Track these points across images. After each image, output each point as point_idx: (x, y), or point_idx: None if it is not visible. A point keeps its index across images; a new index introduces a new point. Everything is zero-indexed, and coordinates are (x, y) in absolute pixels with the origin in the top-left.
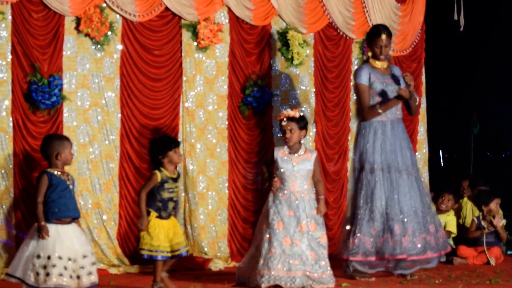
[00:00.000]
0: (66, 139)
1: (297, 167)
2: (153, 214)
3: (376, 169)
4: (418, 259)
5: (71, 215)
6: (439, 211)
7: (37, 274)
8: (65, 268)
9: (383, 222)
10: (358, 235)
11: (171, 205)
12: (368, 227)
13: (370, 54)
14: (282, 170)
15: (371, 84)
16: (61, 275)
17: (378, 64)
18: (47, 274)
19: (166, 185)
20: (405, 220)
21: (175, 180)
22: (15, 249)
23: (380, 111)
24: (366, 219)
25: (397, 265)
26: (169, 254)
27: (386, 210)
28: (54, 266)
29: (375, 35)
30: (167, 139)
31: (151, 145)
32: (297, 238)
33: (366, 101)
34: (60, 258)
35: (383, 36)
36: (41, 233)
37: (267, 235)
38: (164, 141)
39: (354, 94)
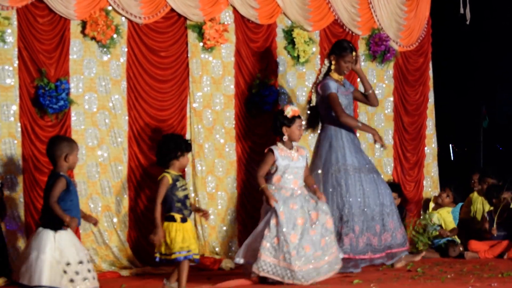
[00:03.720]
0: (74, 142)
1: (299, 164)
2: (177, 217)
3: (343, 171)
4: (362, 259)
5: (79, 223)
6: (437, 204)
7: (71, 280)
8: (89, 270)
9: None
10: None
11: (188, 202)
12: (352, 226)
13: (333, 67)
14: (284, 168)
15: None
16: (85, 279)
17: (336, 77)
18: (84, 279)
19: (178, 184)
20: (354, 219)
21: (182, 176)
22: None
23: (359, 125)
24: (345, 219)
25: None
26: (197, 256)
27: (344, 210)
28: (77, 273)
29: (345, 51)
30: (186, 142)
31: (167, 141)
32: (309, 228)
33: (341, 108)
34: (81, 262)
35: (354, 53)
36: (72, 225)
37: (273, 221)
38: (181, 142)
39: (320, 108)
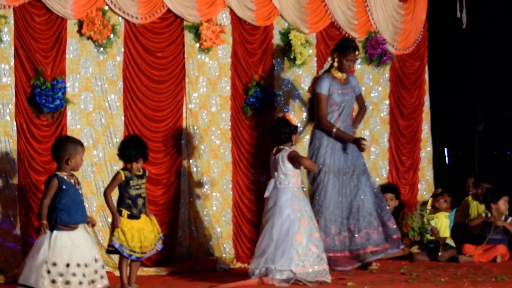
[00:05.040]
0: (80, 144)
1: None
2: (125, 212)
3: (328, 171)
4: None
5: (80, 220)
6: (434, 208)
7: (53, 281)
8: (84, 275)
9: (340, 221)
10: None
11: (140, 201)
12: (326, 226)
13: (335, 64)
14: (299, 171)
15: (330, 95)
16: (81, 283)
17: (339, 74)
18: (67, 283)
19: (131, 183)
20: (355, 218)
21: (141, 177)
22: (21, 252)
23: (333, 134)
24: (323, 218)
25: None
26: (138, 255)
27: (340, 210)
28: (74, 274)
29: (348, 50)
30: (136, 150)
31: (123, 144)
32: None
33: (324, 111)
34: (78, 265)
35: (357, 53)
36: (41, 230)
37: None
38: (138, 150)
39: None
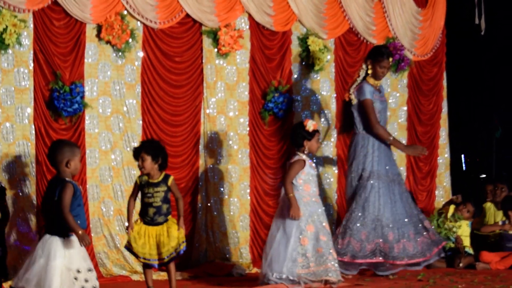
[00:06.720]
0: (76, 146)
1: (316, 172)
2: (139, 219)
3: (372, 177)
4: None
5: (84, 226)
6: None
7: None
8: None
9: (375, 227)
10: (348, 237)
11: (151, 210)
12: (359, 231)
13: (370, 72)
14: (310, 177)
15: (374, 102)
16: (94, 287)
17: (372, 81)
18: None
19: (144, 190)
20: (397, 226)
21: (155, 185)
22: None
23: (391, 139)
24: (358, 224)
25: (377, 267)
26: (156, 262)
27: (378, 217)
28: (98, 278)
29: (382, 56)
30: (141, 147)
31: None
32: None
33: (374, 117)
34: (90, 270)
35: (390, 59)
36: (85, 241)
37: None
38: (138, 146)
39: (355, 111)
